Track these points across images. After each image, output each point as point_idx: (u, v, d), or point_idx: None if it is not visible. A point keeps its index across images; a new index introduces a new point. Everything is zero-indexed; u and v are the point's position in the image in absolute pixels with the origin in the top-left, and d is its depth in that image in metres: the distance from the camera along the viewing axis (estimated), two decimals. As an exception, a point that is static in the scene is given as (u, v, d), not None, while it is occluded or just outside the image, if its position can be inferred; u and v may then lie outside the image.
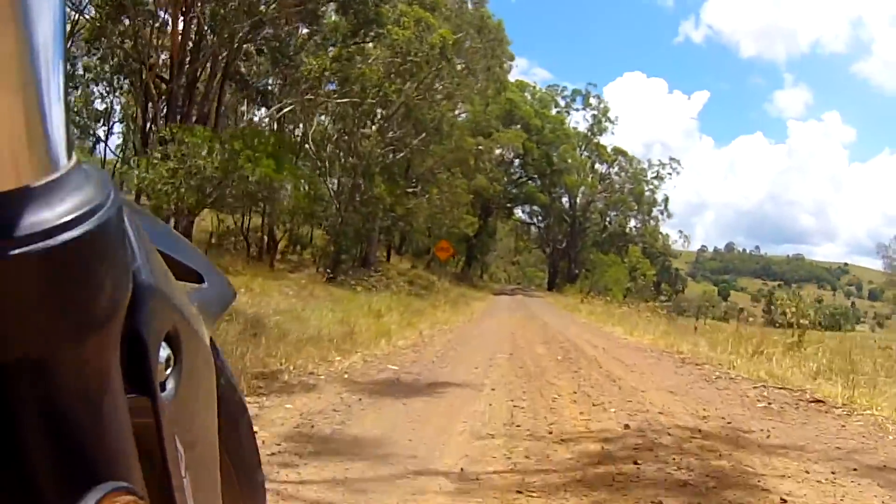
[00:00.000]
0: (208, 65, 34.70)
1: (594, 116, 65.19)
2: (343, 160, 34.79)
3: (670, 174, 67.03)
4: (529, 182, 61.15)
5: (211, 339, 0.69)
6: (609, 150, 66.74)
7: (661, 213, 67.19)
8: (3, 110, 0.41)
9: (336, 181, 35.72)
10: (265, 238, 36.14)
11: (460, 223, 44.75)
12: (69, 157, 0.46)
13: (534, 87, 62.38)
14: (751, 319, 33.61)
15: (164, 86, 28.83)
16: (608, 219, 67.76)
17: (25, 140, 0.43)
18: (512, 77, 53.42)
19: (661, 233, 67.59)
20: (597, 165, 67.08)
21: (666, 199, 66.96)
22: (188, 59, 28.62)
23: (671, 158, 71.11)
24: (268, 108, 34.76)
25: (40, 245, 0.41)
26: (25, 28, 0.42)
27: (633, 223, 68.15)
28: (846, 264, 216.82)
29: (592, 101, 65.20)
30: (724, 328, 22.88)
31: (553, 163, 58.55)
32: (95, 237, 0.44)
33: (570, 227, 65.70)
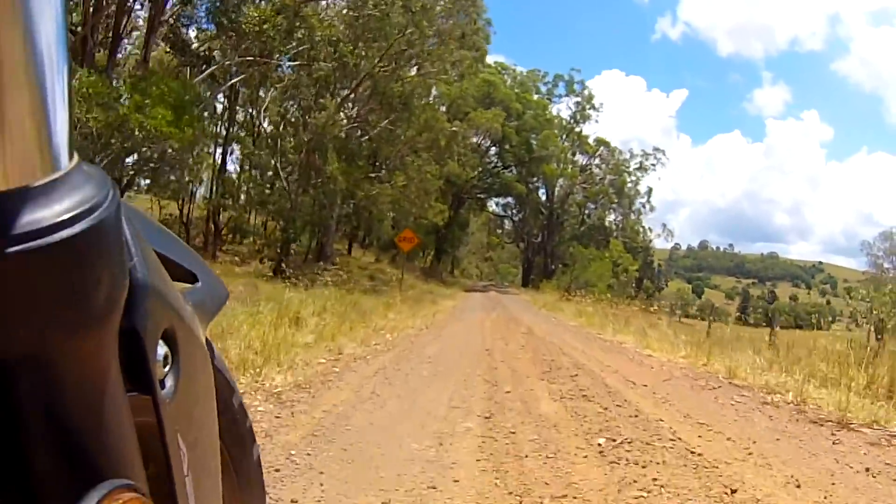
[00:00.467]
0: (139, 22, 29.38)
1: (577, 104, 59.85)
2: (295, 136, 29.24)
3: (654, 165, 61.86)
4: (506, 171, 55.44)
5: (208, 341, 0.70)
6: (591, 140, 61.38)
7: (644, 206, 61.78)
8: (6, 112, 0.41)
9: (286, 159, 30.07)
10: (212, 226, 30.94)
11: (428, 212, 39.24)
12: (70, 157, 0.46)
13: (513, 71, 56.89)
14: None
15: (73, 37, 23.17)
16: (587, 211, 62.45)
17: (28, 140, 0.43)
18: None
19: (642, 226, 62.12)
20: (577, 156, 61.64)
21: (649, 191, 61.70)
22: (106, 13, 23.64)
23: (655, 148, 65.61)
24: (213, 77, 29.02)
25: (38, 242, 0.41)
26: (29, 33, 0.42)
27: (613, 216, 62.83)
28: (821, 262, 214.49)
29: (576, 87, 59.81)
30: (749, 334, 17.84)
31: (533, 150, 52.99)
32: (93, 235, 0.44)
33: (547, 219, 60.36)
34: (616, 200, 61.16)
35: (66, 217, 0.42)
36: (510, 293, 46.60)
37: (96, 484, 0.44)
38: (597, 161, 62.49)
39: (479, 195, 57.90)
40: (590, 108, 59.77)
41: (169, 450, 0.52)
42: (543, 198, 61.48)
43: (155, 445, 0.52)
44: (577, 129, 58.98)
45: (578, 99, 59.64)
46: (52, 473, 0.44)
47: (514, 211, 65.08)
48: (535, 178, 57.29)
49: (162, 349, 0.53)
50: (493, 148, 54.50)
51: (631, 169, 61.72)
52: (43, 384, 0.43)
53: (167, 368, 0.54)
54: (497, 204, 65.24)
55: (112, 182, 0.48)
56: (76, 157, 0.47)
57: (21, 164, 0.42)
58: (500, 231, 73.78)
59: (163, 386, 0.53)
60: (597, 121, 61.01)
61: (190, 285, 0.73)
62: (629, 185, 60.96)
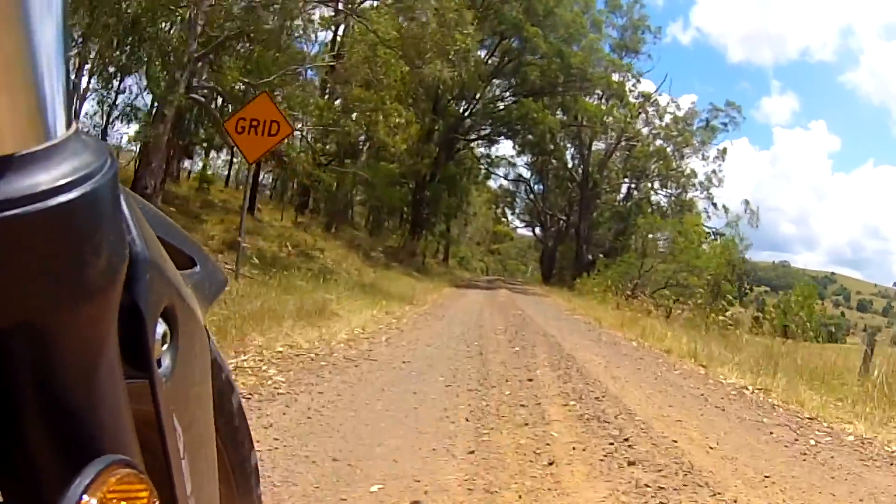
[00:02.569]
0: None
1: (623, 28, 37.90)
2: None
3: (726, 125, 39.85)
4: (525, 100, 32.48)
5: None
6: (634, 94, 39.26)
7: (714, 176, 39.40)
8: (1, 79, 0.38)
9: None
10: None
11: (380, 128, 17.68)
12: (68, 125, 0.43)
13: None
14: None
15: None
16: (633, 183, 40.60)
17: (23, 107, 0.40)
18: None
19: (713, 203, 39.32)
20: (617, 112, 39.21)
21: (723, 153, 39.52)
22: None
23: (728, 103, 43.15)
24: None
25: (34, 207, 0.38)
26: (23, 2, 0.39)
27: (666, 191, 40.66)
28: (833, 273, 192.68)
29: (622, 2, 37.67)
30: None
31: (571, 66, 30.54)
32: (90, 201, 0.41)
33: (580, 188, 38.50)
34: (675, 167, 39.16)
35: (62, 182, 0.39)
36: (531, 293, 25.21)
37: (92, 459, 0.41)
38: (640, 124, 40.58)
39: (479, 135, 35.58)
40: (642, 33, 37.70)
41: (165, 430, 0.48)
42: (572, 160, 39.89)
43: (150, 427, 0.48)
44: (628, 65, 36.76)
45: (624, 20, 37.57)
46: (48, 447, 0.41)
47: (531, 181, 43.42)
48: (568, 116, 35.10)
49: (161, 327, 0.49)
50: (511, 76, 32.25)
51: (694, 128, 39.86)
52: (38, 355, 0.40)
53: (165, 347, 0.50)
54: (506, 176, 43.67)
55: (110, 152, 0.45)
56: (74, 125, 0.43)
57: (15, 131, 0.39)
58: (510, 212, 52.24)
59: (160, 364, 0.48)
60: (649, 56, 38.92)
61: (188, 271, 0.65)
62: (694, 146, 39.06)
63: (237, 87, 17.82)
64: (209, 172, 25.86)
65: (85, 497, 0.39)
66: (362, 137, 21.69)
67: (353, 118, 18.29)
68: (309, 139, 21.56)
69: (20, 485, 0.41)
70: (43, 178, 0.39)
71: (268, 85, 16.53)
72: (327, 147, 21.77)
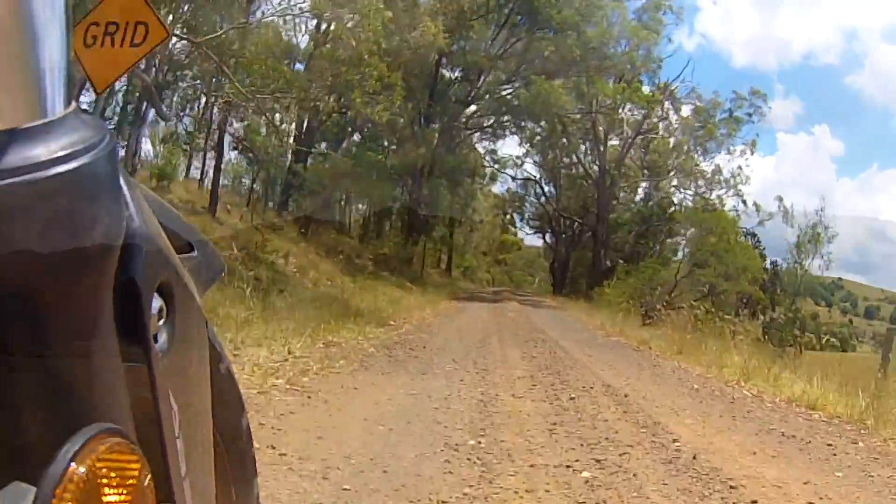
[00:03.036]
0: None
1: (641, 10, 33.14)
2: None
3: (751, 116, 35.06)
4: (536, 78, 27.31)
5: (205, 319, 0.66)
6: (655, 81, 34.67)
7: (739, 172, 34.54)
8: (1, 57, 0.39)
9: None
10: None
11: (356, 95, 13.35)
12: (67, 103, 0.43)
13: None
14: None
15: None
16: (653, 181, 36.05)
17: (22, 84, 0.40)
18: None
19: (743, 201, 34.25)
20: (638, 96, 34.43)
21: (752, 145, 34.66)
22: None
23: (754, 91, 38.50)
24: None
25: (32, 176, 0.38)
26: None
27: (690, 190, 35.94)
28: (840, 279, 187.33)
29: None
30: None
31: (589, 41, 25.80)
32: (87, 174, 0.41)
33: (598, 186, 34.05)
34: (700, 162, 34.66)
35: (60, 154, 0.39)
36: (545, 306, 21.07)
37: (82, 426, 0.40)
38: (655, 119, 35.96)
39: (483, 126, 30.87)
40: (663, 13, 32.66)
41: (160, 406, 0.46)
42: (585, 155, 35.38)
43: (147, 415, 0.47)
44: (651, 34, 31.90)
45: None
46: (38, 415, 0.40)
47: (541, 182, 38.98)
48: (584, 104, 30.51)
49: (157, 302, 0.47)
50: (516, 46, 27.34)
51: (716, 120, 35.19)
52: (32, 323, 0.39)
53: (161, 322, 0.48)
54: (515, 177, 39.33)
55: (109, 129, 0.45)
56: (73, 103, 0.43)
57: (15, 107, 0.39)
58: (518, 218, 47.98)
59: (156, 340, 0.47)
60: (669, 39, 34.23)
61: (185, 255, 0.64)
62: (718, 138, 34.41)
63: (175, 45, 13.86)
64: (170, 167, 21.74)
65: (73, 464, 0.38)
66: (342, 116, 17.55)
67: (326, 84, 14.15)
68: (276, 121, 17.49)
69: (9, 451, 0.40)
70: (41, 151, 0.38)
71: (212, 42, 12.47)
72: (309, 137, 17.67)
